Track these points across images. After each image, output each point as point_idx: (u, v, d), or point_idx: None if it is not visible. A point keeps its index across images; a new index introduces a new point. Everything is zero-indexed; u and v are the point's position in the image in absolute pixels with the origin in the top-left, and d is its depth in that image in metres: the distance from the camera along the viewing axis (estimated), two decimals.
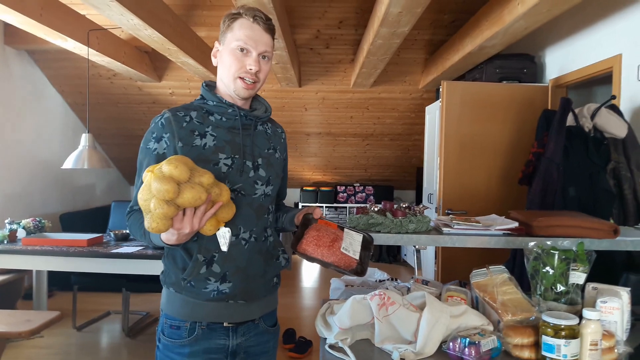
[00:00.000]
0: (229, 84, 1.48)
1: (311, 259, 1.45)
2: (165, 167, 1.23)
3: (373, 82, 5.56)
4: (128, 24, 3.41)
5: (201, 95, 1.53)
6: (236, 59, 1.45)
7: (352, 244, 1.49)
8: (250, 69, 1.45)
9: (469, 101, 4.01)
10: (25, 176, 5.45)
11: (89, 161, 4.14)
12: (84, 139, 4.23)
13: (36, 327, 2.94)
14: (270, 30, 1.50)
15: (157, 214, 1.22)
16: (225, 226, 1.37)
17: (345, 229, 1.53)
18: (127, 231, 3.61)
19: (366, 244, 1.52)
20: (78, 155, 4.16)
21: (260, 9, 3.04)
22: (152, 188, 1.21)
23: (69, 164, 4.14)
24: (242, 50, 1.45)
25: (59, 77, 5.92)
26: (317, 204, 7.53)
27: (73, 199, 6.37)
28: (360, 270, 1.44)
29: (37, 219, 4.08)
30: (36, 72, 5.73)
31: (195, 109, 1.49)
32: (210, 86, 1.56)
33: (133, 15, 3.19)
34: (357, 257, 1.46)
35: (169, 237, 1.29)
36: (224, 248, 1.38)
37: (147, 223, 1.23)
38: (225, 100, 1.50)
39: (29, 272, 4.22)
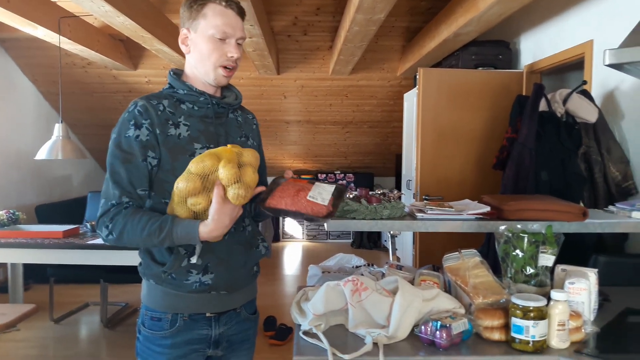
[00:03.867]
0: (208, 72, 1.45)
1: (277, 212, 1.42)
2: (231, 147, 1.34)
3: (351, 69, 5.56)
4: (100, 11, 3.35)
5: (169, 84, 1.49)
6: (216, 48, 1.42)
7: (321, 193, 1.45)
8: (232, 57, 1.44)
9: (446, 88, 4.03)
10: None
11: (63, 151, 4.08)
12: (58, 128, 4.16)
13: (11, 320, 2.91)
14: (242, 14, 1.48)
15: (252, 180, 1.31)
16: None
17: (316, 183, 1.50)
18: None
19: (340, 192, 1.50)
20: (52, 145, 4.10)
21: None
22: (246, 157, 1.33)
23: (42, 154, 4.07)
24: (220, 38, 1.42)
25: (32, 66, 5.80)
26: None
27: (49, 190, 6.27)
28: (330, 214, 1.39)
29: (11, 211, 4.00)
30: (7, 61, 5.60)
31: (166, 97, 1.46)
32: (178, 74, 1.52)
33: (104, 2, 3.13)
34: (326, 203, 1.41)
35: (224, 222, 1.29)
36: (195, 260, 1.38)
37: (236, 191, 1.27)
38: (196, 89, 1.46)
39: (4, 265, 4.16)
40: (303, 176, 7.57)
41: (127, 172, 1.35)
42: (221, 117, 1.52)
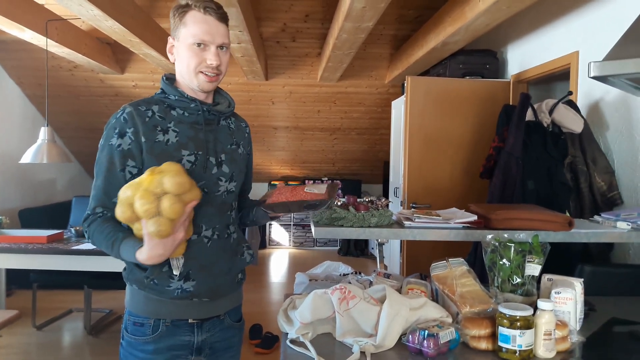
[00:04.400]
0: (191, 79, 1.44)
1: (280, 206, 1.46)
2: (167, 166, 1.24)
3: (340, 76, 5.57)
4: (88, 15, 3.32)
5: (161, 89, 1.49)
6: (194, 55, 1.42)
7: (316, 188, 1.54)
8: (211, 64, 1.42)
9: (433, 96, 4.05)
10: None
11: (48, 155, 4.04)
12: (43, 132, 4.12)
13: None
14: (223, 19, 1.46)
15: (172, 211, 1.20)
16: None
17: (308, 184, 1.60)
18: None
19: (332, 187, 1.58)
20: (37, 149, 4.05)
21: (224, 1, 3.02)
22: (164, 185, 1.20)
23: (27, 158, 4.02)
24: (199, 45, 1.41)
25: (17, 68, 5.73)
26: None
27: (33, 194, 6.19)
28: (329, 200, 1.47)
29: None
30: None
31: (157, 102, 1.45)
32: (171, 79, 1.52)
33: (93, 5, 3.10)
34: (323, 192, 1.49)
35: (157, 252, 1.25)
36: (176, 272, 1.38)
37: (155, 227, 1.20)
38: (187, 95, 1.46)
39: None
40: (290, 182, 7.57)
41: (104, 182, 1.39)
42: (211, 124, 1.51)
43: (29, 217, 5.33)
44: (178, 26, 1.43)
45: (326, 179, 7.71)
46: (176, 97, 1.46)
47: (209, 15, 1.42)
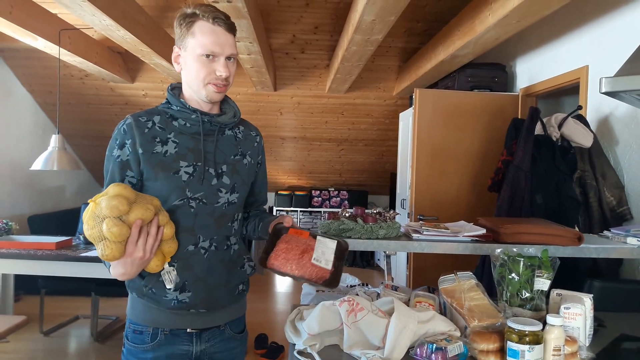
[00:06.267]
0: (199, 90, 1.43)
1: (281, 274, 1.44)
2: (111, 189, 1.25)
3: (348, 87, 5.59)
4: (100, 25, 3.37)
5: (166, 99, 1.48)
6: (203, 66, 1.40)
7: (324, 253, 1.46)
8: (221, 75, 1.41)
9: (441, 109, 4.06)
10: None
11: (58, 163, 4.07)
12: (54, 140, 4.15)
13: (1, 332, 2.87)
14: (232, 29, 1.44)
15: (112, 234, 1.21)
16: (170, 265, 1.39)
17: (318, 237, 1.50)
18: None
19: (341, 251, 1.49)
20: (47, 156, 4.08)
21: (235, 13, 3.05)
22: (102, 209, 1.22)
23: (38, 165, 4.05)
24: (207, 56, 1.39)
25: (29, 76, 5.79)
26: (292, 209, 7.52)
27: (42, 201, 6.23)
28: (332, 281, 1.42)
29: (4, 221, 3.97)
30: (5, 70, 5.60)
31: (159, 113, 1.45)
32: (177, 89, 1.52)
33: (105, 15, 3.15)
34: (329, 267, 1.44)
35: (118, 271, 1.29)
36: (169, 286, 1.39)
37: (101, 251, 1.23)
38: (189, 106, 1.45)
39: None
40: (297, 193, 7.56)
41: None
42: (212, 134, 1.49)
43: (38, 224, 5.36)
44: (185, 36, 1.41)
45: (332, 189, 7.70)
46: (178, 108, 1.45)
47: (218, 26, 1.40)
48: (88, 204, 1.26)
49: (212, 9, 1.41)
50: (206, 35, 1.38)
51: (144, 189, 1.42)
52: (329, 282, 1.42)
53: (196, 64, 1.40)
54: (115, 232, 1.21)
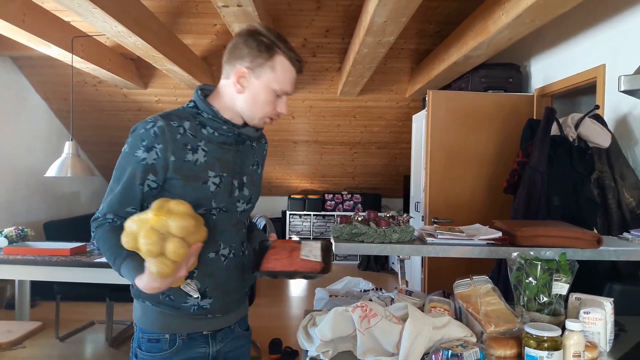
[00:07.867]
0: (253, 116, 1.44)
1: (275, 274, 1.42)
2: (175, 206, 1.21)
3: (360, 90, 5.57)
4: (112, 31, 3.39)
5: (194, 102, 1.44)
6: (271, 101, 1.43)
7: (311, 250, 1.51)
8: (282, 113, 1.46)
9: (455, 110, 4.02)
10: (8, 184, 5.37)
11: (72, 169, 4.09)
12: (68, 146, 4.18)
13: (17, 337, 2.89)
14: (300, 71, 1.49)
15: (177, 255, 1.18)
16: (187, 278, 1.38)
17: (302, 241, 1.57)
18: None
19: (327, 248, 1.57)
20: (62, 163, 4.11)
21: (245, 17, 3.05)
22: (169, 227, 1.17)
23: (52, 171, 4.08)
24: (278, 94, 1.43)
25: (44, 83, 5.86)
26: (305, 212, 7.52)
27: (57, 207, 6.29)
28: (324, 268, 1.44)
29: (20, 227, 4.01)
30: (20, 78, 5.67)
31: (188, 118, 1.40)
32: (206, 90, 1.49)
33: (117, 22, 3.16)
34: (318, 259, 1.47)
35: (154, 285, 1.24)
36: (196, 295, 1.39)
37: (156, 268, 1.18)
38: (221, 116, 1.43)
39: (11, 281, 4.15)
40: (310, 196, 7.56)
41: (120, 192, 1.36)
42: (239, 145, 1.49)
43: (53, 230, 5.40)
44: (263, 64, 1.39)
45: (345, 192, 7.68)
46: (209, 116, 1.42)
47: (295, 69, 1.44)
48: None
49: (290, 46, 1.43)
50: (287, 75, 1.42)
51: (164, 194, 1.36)
52: (322, 270, 1.43)
53: (265, 96, 1.42)
54: (181, 254, 1.19)
